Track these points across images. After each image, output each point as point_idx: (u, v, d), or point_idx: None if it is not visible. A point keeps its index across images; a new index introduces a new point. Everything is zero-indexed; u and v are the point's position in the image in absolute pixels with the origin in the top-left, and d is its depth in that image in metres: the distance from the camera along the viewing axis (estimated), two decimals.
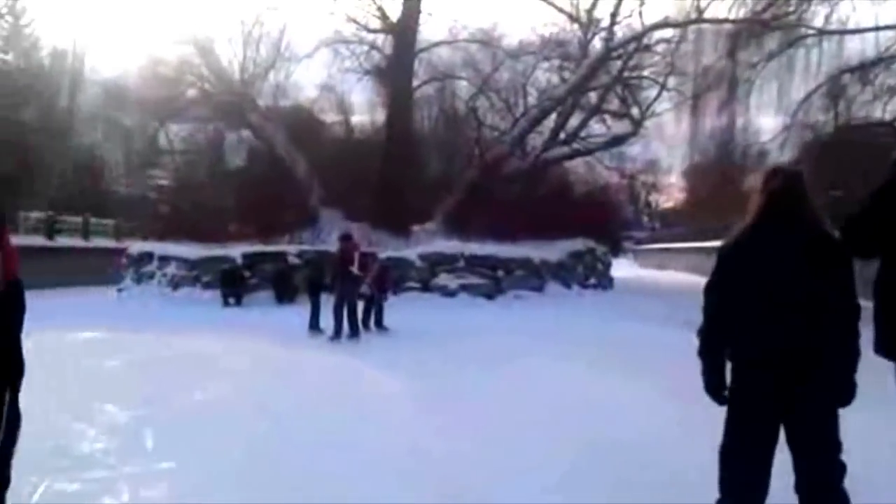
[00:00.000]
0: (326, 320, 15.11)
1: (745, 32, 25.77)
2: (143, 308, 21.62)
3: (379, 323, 16.57)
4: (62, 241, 34.41)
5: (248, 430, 7.10)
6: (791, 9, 25.14)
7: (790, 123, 25.68)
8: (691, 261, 45.29)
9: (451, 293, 22.94)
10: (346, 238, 15.83)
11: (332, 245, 24.52)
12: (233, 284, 22.87)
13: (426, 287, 23.11)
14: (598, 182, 32.76)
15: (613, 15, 28.81)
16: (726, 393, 3.70)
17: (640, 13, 29.30)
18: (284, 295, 22.42)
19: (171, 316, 18.95)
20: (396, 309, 17.45)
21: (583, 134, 31.41)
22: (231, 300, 22.74)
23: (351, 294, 15.05)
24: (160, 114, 32.07)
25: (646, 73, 30.67)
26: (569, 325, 16.57)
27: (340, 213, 26.45)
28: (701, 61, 27.60)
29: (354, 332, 14.91)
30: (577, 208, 27.52)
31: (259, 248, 24.10)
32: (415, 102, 28.49)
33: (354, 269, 14.99)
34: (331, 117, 30.44)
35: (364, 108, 30.16)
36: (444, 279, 23.22)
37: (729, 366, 3.70)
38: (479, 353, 12.12)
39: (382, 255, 22.15)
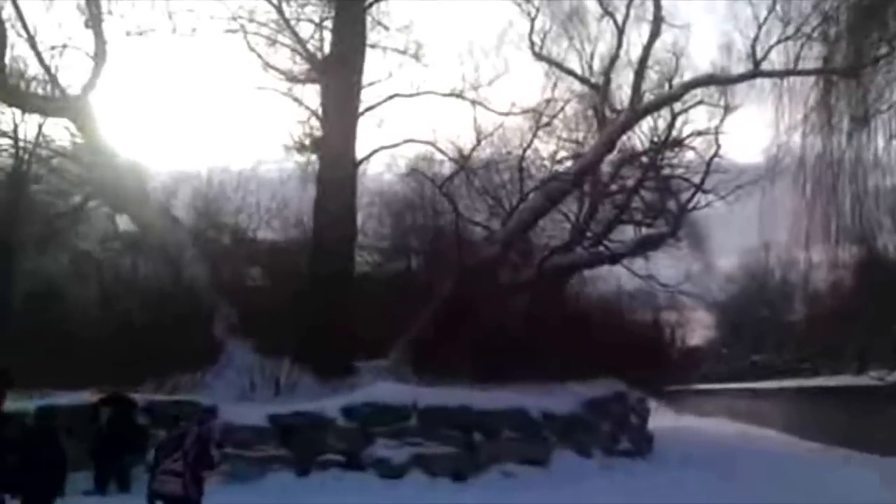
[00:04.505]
0: None
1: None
2: None
3: None
4: None
5: None
6: None
7: None
8: (739, 404, 37.08)
9: (394, 472, 13.81)
10: None
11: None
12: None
13: (354, 461, 13.96)
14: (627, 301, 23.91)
15: (639, 72, 20.84)
16: None
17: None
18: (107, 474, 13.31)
19: None
20: None
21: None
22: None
23: None
24: None
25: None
26: None
27: (251, 345, 17.77)
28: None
29: None
30: (604, 336, 18.85)
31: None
32: (361, 182, 19.46)
33: None
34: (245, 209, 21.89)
35: (291, 192, 21.46)
36: (384, 448, 14.07)
37: None
38: None
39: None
